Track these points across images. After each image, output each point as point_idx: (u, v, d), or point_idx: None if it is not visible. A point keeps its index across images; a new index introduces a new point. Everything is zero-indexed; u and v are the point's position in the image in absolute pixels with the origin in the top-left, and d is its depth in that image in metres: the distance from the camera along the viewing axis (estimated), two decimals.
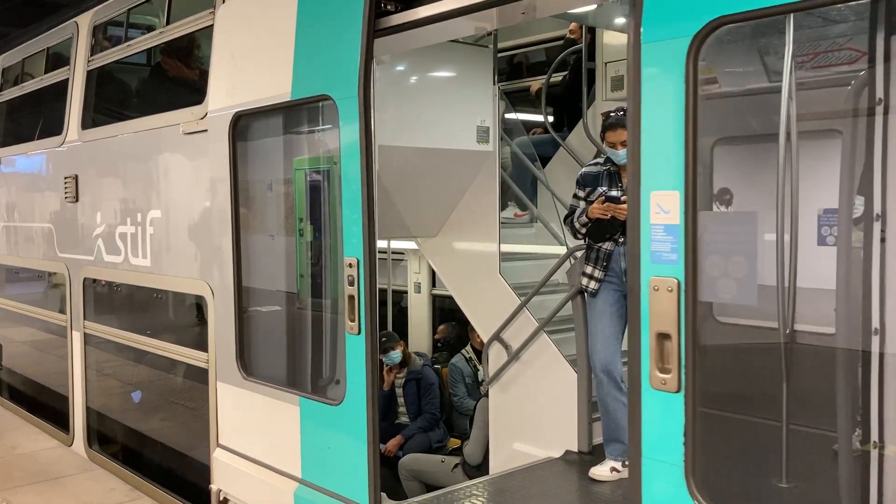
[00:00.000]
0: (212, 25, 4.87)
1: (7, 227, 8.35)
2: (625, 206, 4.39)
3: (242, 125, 4.51)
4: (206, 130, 4.84)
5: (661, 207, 2.53)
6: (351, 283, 3.66)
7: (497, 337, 4.95)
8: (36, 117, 7.88)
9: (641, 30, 2.55)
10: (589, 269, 4.49)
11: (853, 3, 2.41)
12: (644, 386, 2.61)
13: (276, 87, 4.12)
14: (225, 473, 4.78)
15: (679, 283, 2.49)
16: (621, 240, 4.47)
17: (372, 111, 3.56)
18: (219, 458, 4.78)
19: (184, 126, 5.04)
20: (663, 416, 2.57)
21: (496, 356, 4.97)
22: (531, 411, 4.89)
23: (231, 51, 4.56)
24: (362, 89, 3.53)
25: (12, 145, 8.21)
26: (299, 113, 4.43)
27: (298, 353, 4.78)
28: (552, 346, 4.84)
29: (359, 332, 3.66)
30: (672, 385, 2.52)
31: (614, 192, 4.46)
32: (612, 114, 4.43)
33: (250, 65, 4.44)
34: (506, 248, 5.29)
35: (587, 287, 4.51)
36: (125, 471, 6.17)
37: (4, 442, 7.09)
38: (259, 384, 4.45)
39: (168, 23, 5.43)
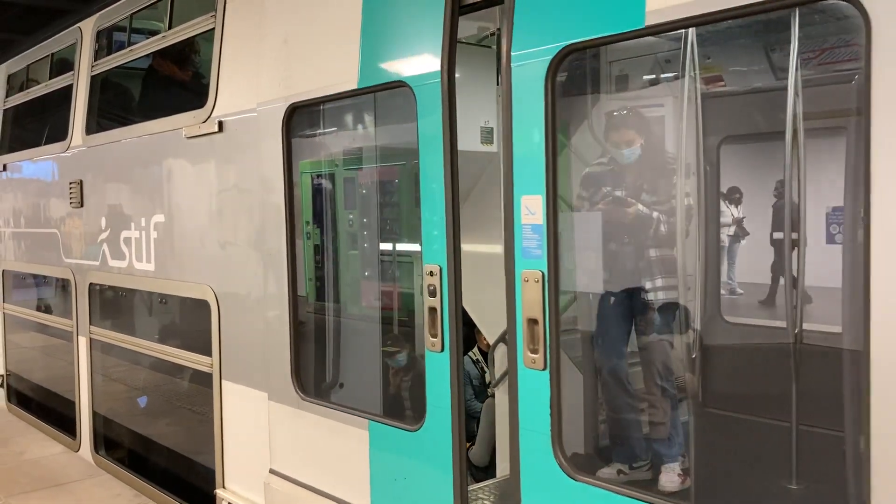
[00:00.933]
0: (212, 29, 4.86)
1: (15, 233, 8.37)
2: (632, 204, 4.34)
3: (298, 118, 4.14)
4: (208, 134, 4.83)
5: (529, 209, 2.88)
6: (432, 294, 3.29)
7: (503, 339, 4.90)
8: (42, 123, 7.89)
9: (511, 54, 2.91)
10: None
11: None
12: (519, 365, 2.97)
13: (339, 74, 3.71)
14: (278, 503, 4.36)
15: (543, 275, 2.86)
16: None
17: (455, 100, 3.22)
18: (272, 486, 4.33)
19: (186, 130, 5.02)
20: (533, 392, 2.93)
21: (502, 358, 4.93)
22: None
23: (284, 35, 4.13)
24: (446, 75, 3.18)
25: (19, 151, 8.23)
26: (367, 103, 4.15)
27: (367, 372, 4.53)
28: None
29: (442, 350, 3.28)
30: (539, 364, 2.89)
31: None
32: (615, 113, 4.39)
33: (308, 50, 4.01)
34: None
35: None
36: (130, 476, 6.15)
37: (11, 448, 7.09)
38: (319, 405, 4.01)
39: (170, 27, 5.42)
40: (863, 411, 2.10)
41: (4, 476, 6.34)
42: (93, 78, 6.50)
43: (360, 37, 3.60)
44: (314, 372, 4.44)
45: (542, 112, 2.81)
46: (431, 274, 3.29)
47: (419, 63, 3.33)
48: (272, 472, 4.35)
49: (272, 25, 4.22)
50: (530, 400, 2.96)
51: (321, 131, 5.12)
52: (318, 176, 5.34)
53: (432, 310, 3.29)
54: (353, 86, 3.62)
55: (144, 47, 5.84)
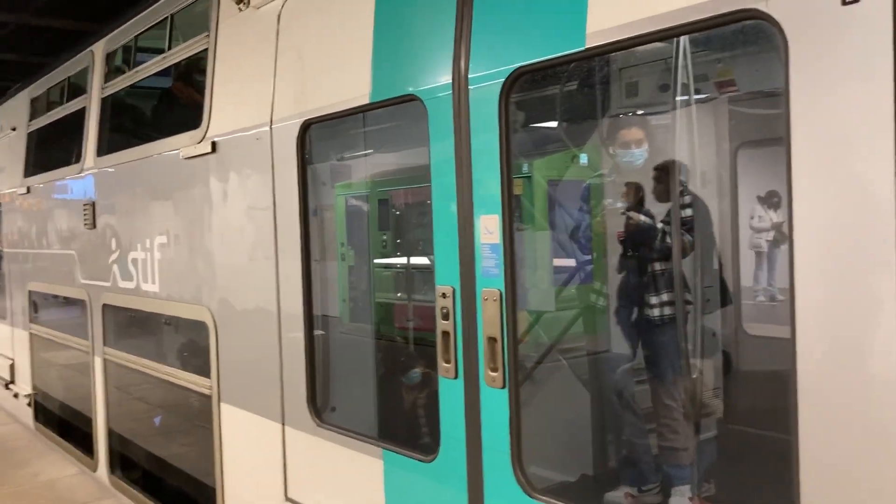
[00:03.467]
0: (206, 49, 4.84)
1: (37, 255, 8.50)
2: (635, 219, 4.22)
3: (311, 134, 4.01)
4: (205, 154, 4.80)
5: (487, 229, 2.92)
6: (445, 317, 3.15)
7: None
8: (62, 146, 8.01)
9: (469, 76, 2.99)
10: (598, 286, 4.36)
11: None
12: (481, 384, 3.00)
13: (352, 88, 3.61)
14: None
15: (501, 294, 2.89)
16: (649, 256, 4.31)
17: (469, 114, 3.10)
18: None
19: (183, 151, 5.01)
20: (493, 410, 2.96)
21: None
22: (547, 434, 4.70)
23: (298, 50, 4.03)
24: (458, 88, 3.10)
25: (41, 173, 8.37)
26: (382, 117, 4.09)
27: (382, 398, 4.48)
28: (566, 366, 4.66)
29: (455, 376, 3.14)
30: (499, 382, 2.92)
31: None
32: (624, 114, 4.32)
33: (321, 65, 3.91)
34: None
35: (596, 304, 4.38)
36: (143, 497, 6.15)
37: (28, 469, 7.16)
38: (335, 432, 3.89)
39: (169, 47, 5.43)
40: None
41: (15, 499, 6.38)
42: (103, 100, 6.56)
43: (371, 50, 3.52)
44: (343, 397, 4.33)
45: (497, 133, 2.86)
46: (444, 296, 3.16)
47: (431, 75, 3.21)
48: (288, 499, 4.24)
49: (286, 40, 4.13)
50: (491, 418, 2.99)
51: (355, 153, 5.10)
52: (354, 198, 5.35)
53: (445, 334, 3.17)
54: (366, 100, 3.53)
55: (147, 69, 5.86)
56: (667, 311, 4.13)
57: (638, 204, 4.23)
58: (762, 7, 2.08)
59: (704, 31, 2.35)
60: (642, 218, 4.16)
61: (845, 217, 1.95)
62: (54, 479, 6.85)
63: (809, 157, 2.02)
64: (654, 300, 4.22)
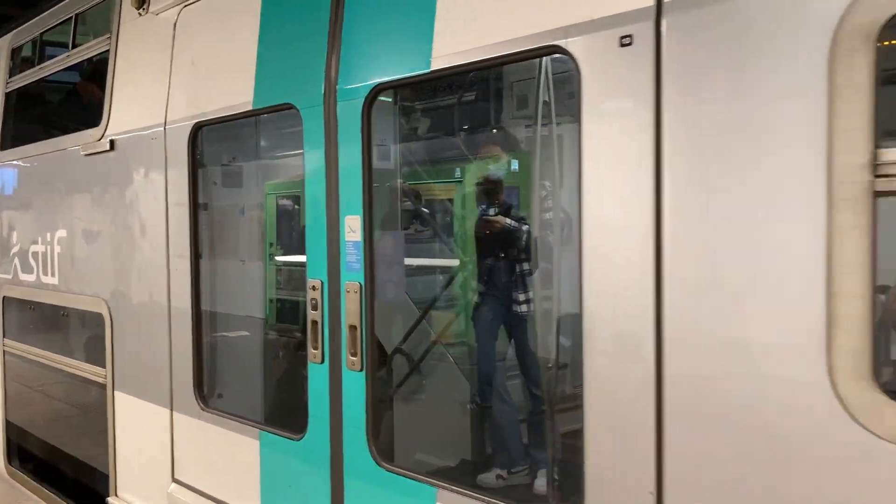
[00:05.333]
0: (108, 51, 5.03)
1: None
2: (498, 220, 4.60)
3: (202, 137, 4.30)
4: (104, 151, 4.98)
5: (350, 228, 3.27)
6: (314, 308, 3.51)
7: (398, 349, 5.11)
8: None
9: (337, 89, 3.30)
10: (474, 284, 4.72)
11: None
12: (343, 368, 3.33)
13: (238, 94, 3.89)
14: None
15: (361, 286, 3.23)
16: (502, 255, 4.68)
17: (338, 123, 3.40)
18: (174, 495, 4.46)
19: (83, 148, 5.17)
20: (353, 391, 3.30)
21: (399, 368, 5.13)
22: (432, 421, 5.04)
23: (191, 56, 4.30)
24: (330, 98, 3.42)
25: None
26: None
27: (258, 383, 4.78)
28: (448, 357, 5.03)
29: (322, 361, 3.49)
30: (357, 365, 3.26)
31: (491, 211, 4.68)
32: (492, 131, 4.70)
33: (212, 71, 4.19)
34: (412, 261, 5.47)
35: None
36: (39, 486, 6.24)
37: None
38: (217, 416, 4.17)
39: (73, 46, 5.57)
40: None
41: None
42: (7, 95, 6.61)
43: (256, 60, 3.82)
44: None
45: (360, 140, 3.20)
46: (314, 289, 3.52)
47: (305, 86, 3.54)
48: (175, 481, 4.49)
49: (181, 47, 4.38)
50: (351, 399, 3.31)
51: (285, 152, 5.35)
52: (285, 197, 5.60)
53: (314, 323, 3.52)
54: (249, 107, 3.84)
55: (51, 66, 5.97)
56: (526, 308, 4.55)
57: (503, 208, 4.65)
58: (563, 45, 2.47)
59: (522, 61, 2.73)
60: (508, 221, 4.58)
61: (618, 220, 2.36)
62: None
63: (594, 170, 2.41)
64: (521, 297, 4.63)
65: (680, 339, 2.21)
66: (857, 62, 1.86)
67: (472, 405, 4.90)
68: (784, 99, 2.00)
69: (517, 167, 5.20)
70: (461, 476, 4.72)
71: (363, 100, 3.19)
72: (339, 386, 3.38)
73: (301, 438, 3.61)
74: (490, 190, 4.86)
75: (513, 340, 4.78)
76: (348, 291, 3.31)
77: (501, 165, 4.70)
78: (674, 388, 2.23)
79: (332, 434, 3.43)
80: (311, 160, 3.48)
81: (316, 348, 3.49)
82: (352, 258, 3.28)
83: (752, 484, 2.07)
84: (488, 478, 4.73)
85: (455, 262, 5.49)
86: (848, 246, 1.88)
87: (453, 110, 6.65)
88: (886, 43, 1.90)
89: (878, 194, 1.85)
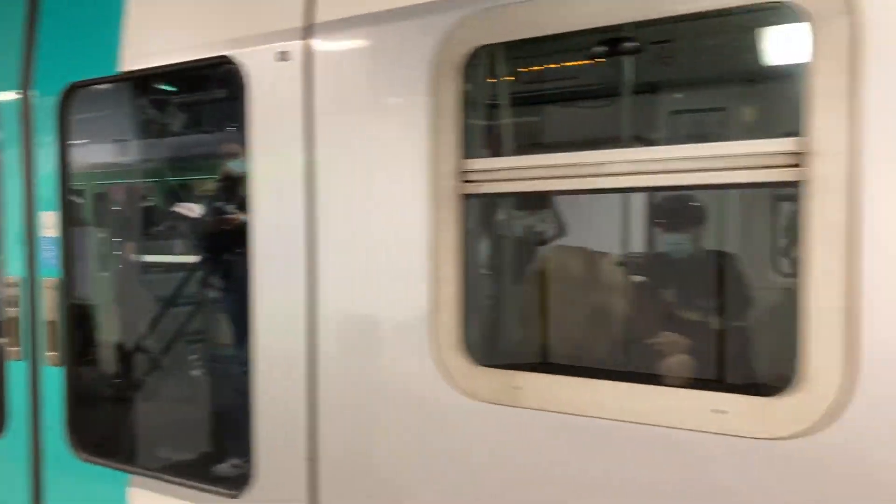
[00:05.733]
0: None
1: None
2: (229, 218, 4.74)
3: None
4: None
5: (47, 224, 3.33)
6: (13, 305, 3.50)
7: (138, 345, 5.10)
8: None
9: (33, 87, 3.33)
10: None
11: None
12: (43, 364, 3.37)
13: None
14: None
15: (59, 282, 3.30)
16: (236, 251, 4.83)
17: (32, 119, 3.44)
18: None
19: None
20: (52, 386, 3.35)
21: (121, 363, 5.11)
22: (168, 415, 5.09)
23: None
24: (24, 94, 3.43)
25: None
26: None
27: None
28: (186, 353, 5.11)
29: (22, 358, 3.50)
30: (57, 360, 3.32)
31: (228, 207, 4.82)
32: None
33: None
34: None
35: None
36: None
37: None
38: None
39: None
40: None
41: None
42: None
43: None
44: None
45: (56, 137, 3.25)
46: (13, 285, 3.49)
47: (2, 80, 3.52)
48: None
49: None
50: (51, 393, 3.35)
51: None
52: None
53: (13, 320, 3.50)
54: None
55: None
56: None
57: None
58: (230, 55, 2.69)
59: (199, 69, 2.93)
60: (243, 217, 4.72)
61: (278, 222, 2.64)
62: None
63: (262, 173, 2.67)
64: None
65: (328, 320, 2.52)
66: (447, 88, 2.25)
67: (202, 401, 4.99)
68: (402, 115, 2.36)
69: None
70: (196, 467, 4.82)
71: (59, 97, 3.24)
72: (38, 382, 3.40)
73: (2, 436, 3.60)
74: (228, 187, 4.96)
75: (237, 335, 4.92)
76: (47, 287, 3.35)
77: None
78: (326, 363, 2.54)
79: (32, 429, 3.46)
80: (8, 155, 3.47)
81: (16, 346, 3.48)
82: (49, 254, 3.33)
83: (380, 442, 2.44)
84: (223, 467, 4.86)
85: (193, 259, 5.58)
86: (444, 239, 2.26)
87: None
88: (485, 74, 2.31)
89: (465, 196, 2.25)
